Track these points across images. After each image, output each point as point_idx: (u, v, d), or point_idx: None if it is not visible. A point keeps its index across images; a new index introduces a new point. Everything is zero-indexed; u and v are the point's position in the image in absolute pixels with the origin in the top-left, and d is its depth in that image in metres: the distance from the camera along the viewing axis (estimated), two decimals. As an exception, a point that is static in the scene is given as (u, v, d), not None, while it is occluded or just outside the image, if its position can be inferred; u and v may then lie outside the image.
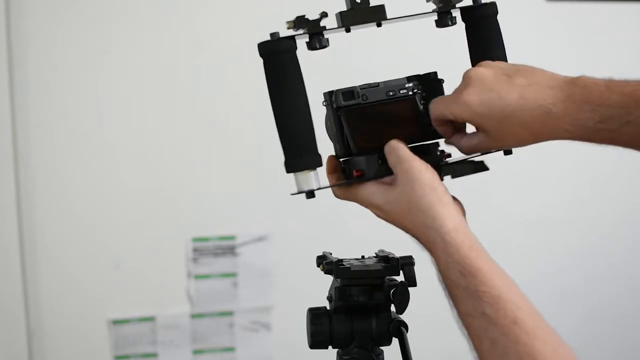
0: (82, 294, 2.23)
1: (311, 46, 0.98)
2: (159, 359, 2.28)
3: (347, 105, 0.99)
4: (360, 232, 2.02)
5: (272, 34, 0.97)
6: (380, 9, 1.00)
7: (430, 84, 1.03)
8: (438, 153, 1.00)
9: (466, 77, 0.94)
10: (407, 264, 1.03)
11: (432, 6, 1.04)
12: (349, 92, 1.00)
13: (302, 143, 0.97)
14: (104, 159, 2.21)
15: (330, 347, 1.03)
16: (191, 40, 2.24)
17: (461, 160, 1.01)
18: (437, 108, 0.96)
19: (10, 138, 2.14)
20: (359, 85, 1.01)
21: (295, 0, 2.17)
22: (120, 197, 2.23)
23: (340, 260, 1.03)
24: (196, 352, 2.30)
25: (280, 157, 0.97)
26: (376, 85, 1.01)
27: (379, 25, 1.01)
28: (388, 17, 1.01)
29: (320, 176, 0.98)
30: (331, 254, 1.06)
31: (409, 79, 1.02)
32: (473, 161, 1.00)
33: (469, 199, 0.99)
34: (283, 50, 0.96)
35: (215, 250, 2.29)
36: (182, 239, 2.28)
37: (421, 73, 1.04)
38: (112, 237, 2.23)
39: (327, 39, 0.98)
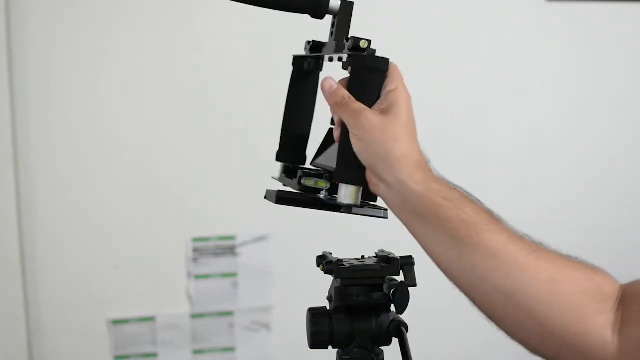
0: (82, 294, 2.23)
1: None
2: (159, 359, 2.28)
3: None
4: (360, 232, 2.02)
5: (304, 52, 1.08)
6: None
7: None
8: None
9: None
10: (407, 264, 1.03)
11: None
12: None
13: (294, 143, 1.11)
14: (104, 159, 2.21)
15: (330, 347, 1.03)
16: (191, 40, 2.24)
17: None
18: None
19: (10, 138, 2.14)
20: None
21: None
22: (120, 197, 2.23)
23: (340, 260, 1.03)
24: (196, 352, 2.30)
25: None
26: None
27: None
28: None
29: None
30: (331, 254, 1.06)
31: None
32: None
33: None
34: (302, 65, 1.09)
35: (215, 250, 2.29)
36: (182, 239, 2.28)
37: None
38: (112, 237, 2.23)
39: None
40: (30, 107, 2.15)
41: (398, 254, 1.04)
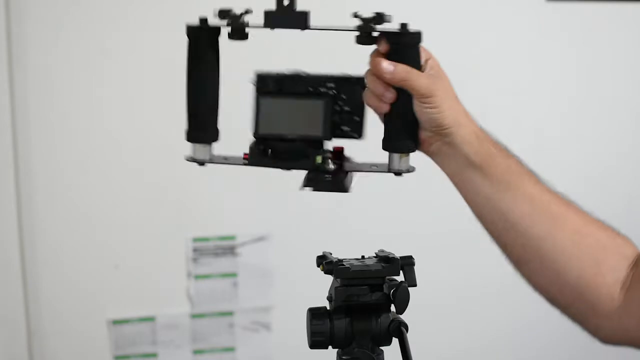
0: (82, 294, 2.23)
1: (230, 37, 1.10)
2: (159, 359, 2.28)
3: (261, 90, 1.10)
4: (360, 231, 2.02)
5: (200, 19, 1.10)
6: (304, 15, 1.02)
7: (351, 86, 1.06)
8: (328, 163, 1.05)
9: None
10: (407, 264, 1.03)
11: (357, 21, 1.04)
12: (265, 78, 1.11)
13: (206, 119, 1.13)
14: (104, 158, 2.21)
15: (330, 347, 1.03)
16: (191, 40, 2.24)
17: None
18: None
19: (10, 138, 2.14)
20: (284, 73, 1.07)
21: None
22: (120, 197, 2.23)
23: (340, 260, 1.03)
24: (196, 352, 2.30)
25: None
26: (300, 76, 1.05)
27: (304, 29, 1.03)
28: (312, 27, 1.03)
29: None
30: (331, 254, 1.06)
31: (334, 78, 1.06)
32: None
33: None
34: (204, 36, 1.10)
35: (215, 250, 2.29)
36: (182, 239, 2.28)
37: (350, 74, 1.07)
38: (112, 237, 2.23)
39: (248, 33, 1.07)
40: (30, 107, 2.15)
41: (398, 254, 1.04)
